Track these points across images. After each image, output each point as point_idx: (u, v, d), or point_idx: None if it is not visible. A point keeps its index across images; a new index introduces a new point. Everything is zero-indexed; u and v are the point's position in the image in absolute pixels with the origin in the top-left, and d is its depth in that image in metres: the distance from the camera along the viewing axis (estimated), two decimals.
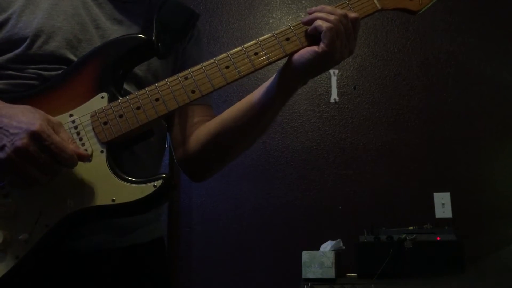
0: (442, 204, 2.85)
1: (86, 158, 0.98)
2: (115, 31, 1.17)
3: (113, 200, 0.98)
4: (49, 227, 0.97)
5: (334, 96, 3.13)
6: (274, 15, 3.33)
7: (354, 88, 3.12)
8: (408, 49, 3.11)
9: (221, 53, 1.08)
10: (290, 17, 3.31)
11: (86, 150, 1.00)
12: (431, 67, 3.06)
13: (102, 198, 0.98)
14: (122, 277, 1.13)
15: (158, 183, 0.98)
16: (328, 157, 3.08)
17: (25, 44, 1.08)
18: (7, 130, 0.92)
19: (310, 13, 1.09)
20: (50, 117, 0.96)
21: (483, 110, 2.94)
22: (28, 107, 0.97)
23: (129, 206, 0.98)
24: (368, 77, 3.12)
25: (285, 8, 3.33)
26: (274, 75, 1.15)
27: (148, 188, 0.98)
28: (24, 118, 0.92)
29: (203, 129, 1.25)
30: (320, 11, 1.07)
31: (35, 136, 0.90)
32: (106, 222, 1.07)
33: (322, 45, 1.05)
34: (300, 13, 3.30)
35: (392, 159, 3.00)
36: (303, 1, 3.32)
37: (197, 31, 1.35)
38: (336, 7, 1.10)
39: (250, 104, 1.17)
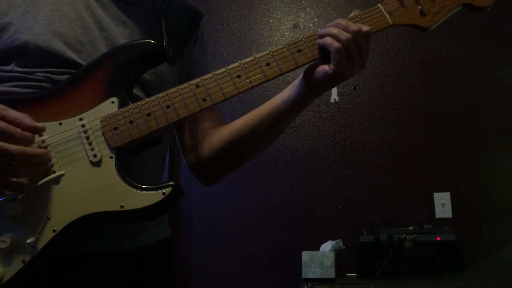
0: (442, 204, 2.86)
1: (41, 130, 0.97)
2: (119, 32, 1.17)
3: (122, 207, 0.97)
4: (57, 231, 0.96)
5: (334, 96, 3.14)
6: (274, 15, 3.33)
7: (354, 88, 3.12)
8: (408, 49, 3.12)
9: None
10: (290, 17, 3.31)
11: (95, 155, 1.00)
12: (431, 67, 3.07)
13: (111, 204, 0.98)
14: (128, 280, 1.13)
15: (167, 190, 0.98)
16: (328, 157, 3.08)
17: (28, 51, 1.07)
18: None
19: (325, 27, 1.08)
20: None
21: (483, 110, 2.95)
22: None
23: (138, 213, 0.98)
24: (368, 77, 3.13)
25: (285, 8, 3.33)
26: (288, 88, 1.16)
27: (157, 196, 0.98)
28: None
29: (217, 136, 1.25)
30: (334, 26, 1.07)
31: None
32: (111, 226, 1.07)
33: (331, 66, 1.05)
34: (300, 13, 3.30)
35: (392, 159, 3.00)
36: (303, 1, 3.32)
37: (201, 32, 1.35)
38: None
39: (266, 114, 1.18)
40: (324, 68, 1.07)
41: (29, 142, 0.95)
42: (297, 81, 1.15)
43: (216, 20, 3.37)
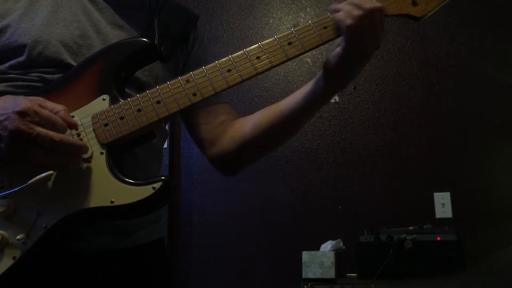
0: (442, 204, 2.85)
1: (75, 126, 0.99)
2: (116, 36, 1.17)
3: (112, 202, 0.97)
4: (47, 228, 0.96)
5: (334, 96, 3.13)
6: (274, 15, 3.34)
7: (354, 88, 3.12)
8: (408, 49, 3.11)
9: (221, 53, 1.08)
10: (290, 17, 3.32)
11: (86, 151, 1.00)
12: (431, 67, 3.06)
13: (101, 200, 0.98)
14: (124, 279, 1.13)
15: (157, 185, 0.97)
16: (328, 157, 3.08)
17: (25, 52, 1.08)
18: None
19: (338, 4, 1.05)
20: (31, 96, 0.98)
21: (483, 110, 2.94)
22: (7, 96, 0.99)
23: (128, 208, 0.97)
24: (368, 77, 3.12)
25: (285, 8, 3.33)
26: (310, 83, 1.13)
27: (147, 190, 0.97)
28: (7, 104, 0.94)
29: (238, 129, 1.25)
30: (348, 3, 1.03)
31: (23, 114, 0.92)
32: (106, 223, 1.07)
33: (343, 44, 1.03)
34: (300, 13, 3.31)
35: (392, 159, 3.00)
36: (303, 1, 3.32)
37: (199, 33, 1.34)
38: None
39: (287, 109, 1.17)
40: (337, 51, 1.04)
41: (63, 132, 0.96)
42: (318, 75, 1.11)
43: (216, 20, 3.38)
